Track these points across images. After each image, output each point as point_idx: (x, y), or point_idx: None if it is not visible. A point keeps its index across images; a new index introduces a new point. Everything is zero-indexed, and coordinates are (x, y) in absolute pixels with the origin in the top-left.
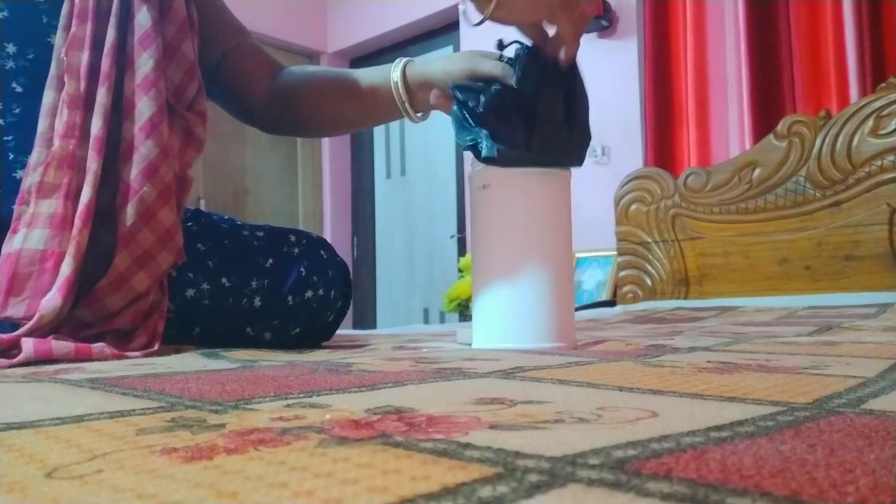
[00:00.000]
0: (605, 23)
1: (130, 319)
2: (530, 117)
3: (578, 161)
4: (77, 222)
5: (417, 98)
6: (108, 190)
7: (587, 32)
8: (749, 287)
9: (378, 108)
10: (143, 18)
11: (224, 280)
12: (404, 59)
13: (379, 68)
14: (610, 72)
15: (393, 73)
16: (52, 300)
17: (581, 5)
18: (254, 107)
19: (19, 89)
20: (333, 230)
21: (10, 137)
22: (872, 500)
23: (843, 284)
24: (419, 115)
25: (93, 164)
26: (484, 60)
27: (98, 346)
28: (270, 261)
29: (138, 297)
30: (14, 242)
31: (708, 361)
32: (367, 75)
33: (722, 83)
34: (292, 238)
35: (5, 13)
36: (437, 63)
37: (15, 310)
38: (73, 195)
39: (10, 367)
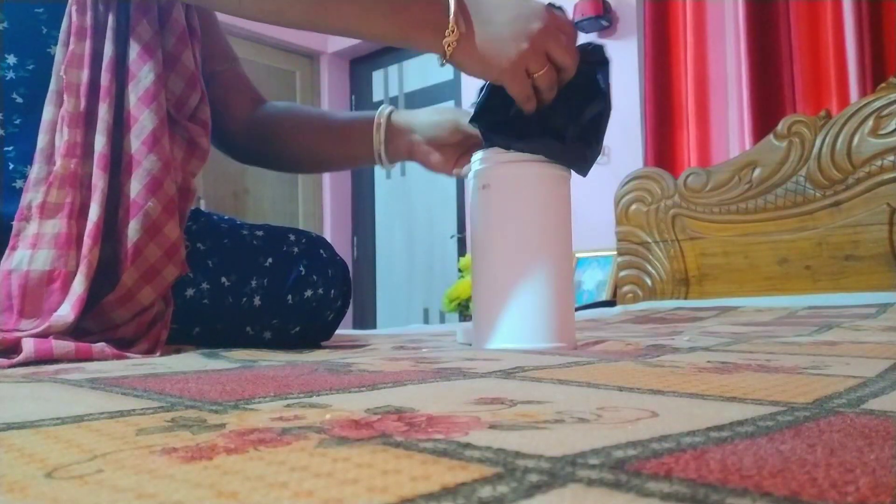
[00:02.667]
0: (605, 23)
1: (134, 330)
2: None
3: (582, 167)
4: (87, 241)
5: (393, 145)
6: (111, 204)
7: (588, 32)
8: (749, 287)
9: (355, 150)
10: (142, 31)
11: (224, 279)
12: (391, 107)
13: (363, 112)
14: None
15: (379, 116)
16: (64, 317)
17: (533, 75)
18: (229, 135)
19: (20, 100)
20: (333, 230)
21: (10, 148)
22: (872, 500)
23: (843, 284)
24: (390, 162)
25: (99, 181)
26: (467, 116)
27: (98, 346)
28: (270, 260)
29: (143, 310)
30: (15, 261)
31: (708, 361)
32: (349, 116)
33: (722, 83)
34: (292, 237)
35: (5, 24)
36: (422, 113)
37: (26, 327)
38: (77, 214)
39: (10, 366)
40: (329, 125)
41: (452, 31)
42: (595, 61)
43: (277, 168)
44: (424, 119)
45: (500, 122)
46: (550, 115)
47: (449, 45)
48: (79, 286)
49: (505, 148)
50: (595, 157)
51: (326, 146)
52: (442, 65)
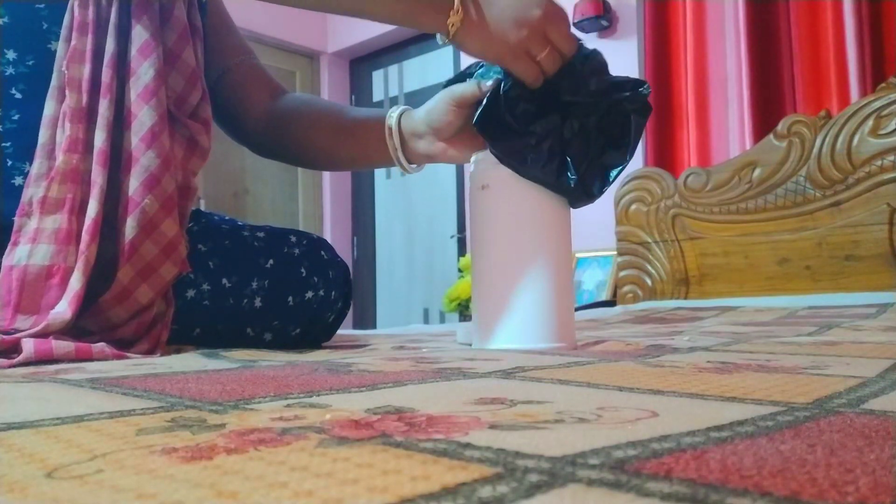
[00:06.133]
0: (605, 23)
1: (134, 330)
2: (515, 130)
3: (574, 202)
4: (85, 237)
5: (409, 148)
6: (111, 201)
7: (588, 32)
8: (749, 287)
9: (369, 152)
10: (142, 28)
11: (224, 280)
12: (401, 108)
13: (376, 114)
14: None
15: (389, 119)
16: (61, 314)
17: (537, 58)
18: (248, 128)
19: (18, 95)
20: (333, 230)
21: (8, 143)
22: (872, 500)
23: (843, 284)
24: (413, 165)
25: (98, 177)
26: (458, 86)
27: (98, 346)
28: (271, 261)
29: (142, 310)
30: (16, 256)
31: (708, 361)
32: (363, 117)
33: (722, 83)
34: (293, 239)
35: (5, 19)
36: (420, 110)
37: (22, 324)
38: (78, 209)
39: (10, 367)
40: (343, 125)
41: (457, 12)
42: (635, 109)
43: (294, 163)
44: (422, 115)
45: (503, 129)
46: (565, 143)
47: (452, 25)
48: (76, 282)
49: (502, 162)
50: (592, 200)
51: (340, 147)
52: (444, 43)
